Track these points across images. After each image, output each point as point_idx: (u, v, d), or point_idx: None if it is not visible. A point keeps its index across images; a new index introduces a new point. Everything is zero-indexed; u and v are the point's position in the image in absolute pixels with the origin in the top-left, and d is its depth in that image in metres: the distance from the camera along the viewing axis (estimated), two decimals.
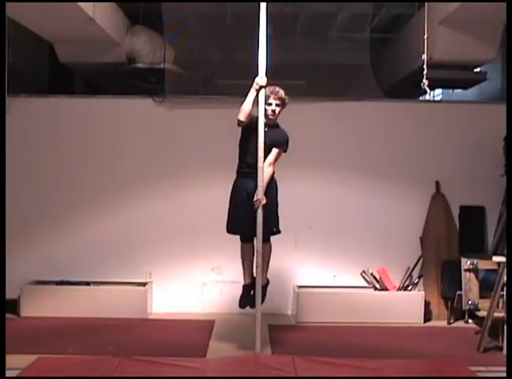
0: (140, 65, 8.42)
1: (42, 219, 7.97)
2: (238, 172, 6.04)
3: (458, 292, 7.35)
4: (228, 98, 7.87)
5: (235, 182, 6.04)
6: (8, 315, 6.78)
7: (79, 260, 7.92)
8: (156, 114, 8.08)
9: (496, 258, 6.95)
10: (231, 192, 6.05)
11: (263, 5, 5.80)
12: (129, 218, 8.03)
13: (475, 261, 7.24)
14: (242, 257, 6.19)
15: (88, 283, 7.84)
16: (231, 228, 6.09)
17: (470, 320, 7.48)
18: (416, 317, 7.56)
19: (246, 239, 6.03)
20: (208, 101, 8.05)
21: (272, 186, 5.96)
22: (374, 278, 7.90)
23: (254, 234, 5.81)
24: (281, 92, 5.89)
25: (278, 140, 5.92)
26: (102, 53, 8.23)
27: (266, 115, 5.86)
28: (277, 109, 5.89)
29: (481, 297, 7.12)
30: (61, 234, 7.96)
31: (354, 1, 8.31)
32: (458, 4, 6.69)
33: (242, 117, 5.75)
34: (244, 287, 6.32)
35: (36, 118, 7.94)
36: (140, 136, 8.12)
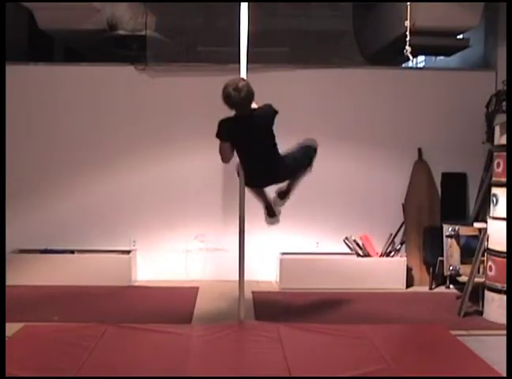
0: (121, 32, 8.30)
1: (26, 188, 7.93)
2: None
3: (440, 258, 7.43)
4: (211, 65, 7.84)
5: None
6: None
7: (63, 228, 7.92)
8: (138, 82, 8.01)
9: (477, 224, 7.04)
10: None
11: None
12: (113, 186, 8.02)
13: (456, 228, 7.31)
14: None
15: (72, 252, 7.86)
16: None
17: (451, 286, 7.60)
18: (398, 283, 7.66)
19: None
20: (190, 68, 7.98)
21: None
22: (357, 244, 7.97)
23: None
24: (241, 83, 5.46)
25: (266, 117, 5.64)
26: (82, 19, 8.09)
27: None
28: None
29: (462, 263, 7.21)
30: (45, 202, 7.95)
31: None
32: None
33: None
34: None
35: (16, 86, 7.82)
36: (122, 105, 8.06)
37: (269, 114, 5.63)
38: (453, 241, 7.30)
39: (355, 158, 8.10)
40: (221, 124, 5.60)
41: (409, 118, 8.12)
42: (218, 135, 5.59)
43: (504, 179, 6.12)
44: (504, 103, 6.92)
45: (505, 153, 6.11)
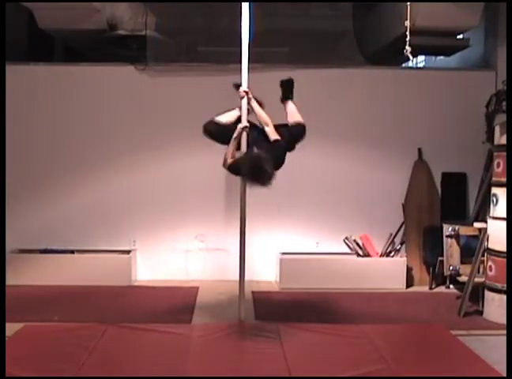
0: (121, 32, 8.29)
1: (25, 188, 7.92)
2: None
3: (440, 258, 7.43)
4: (211, 65, 7.83)
5: None
6: None
7: (63, 228, 7.92)
8: (138, 82, 8.00)
9: (477, 224, 7.05)
10: None
11: None
12: (113, 186, 8.01)
13: (456, 227, 7.31)
14: None
15: (72, 252, 7.86)
16: None
17: (451, 286, 7.60)
18: (398, 283, 7.65)
19: None
20: (190, 68, 7.98)
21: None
22: (357, 244, 7.97)
23: None
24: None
25: (277, 157, 5.78)
26: (82, 19, 8.08)
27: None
28: None
29: (462, 263, 7.21)
30: (44, 202, 7.95)
31: None
32: None
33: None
34: None
35: (16, 86, 7.82)
36: (122, 105, 8.06)
37: (280, 155, 5.81)
38: (453, 241, 7.29)
39: (355, 158, 8.09)
40: (231, 168, 5.72)
41: (409, 118, 8.11)
42: (229, 169, 5.77)
43: (504, 179, 6.13)
44: (504, 103, 6.92)
45: (505, 153, 6.11)
